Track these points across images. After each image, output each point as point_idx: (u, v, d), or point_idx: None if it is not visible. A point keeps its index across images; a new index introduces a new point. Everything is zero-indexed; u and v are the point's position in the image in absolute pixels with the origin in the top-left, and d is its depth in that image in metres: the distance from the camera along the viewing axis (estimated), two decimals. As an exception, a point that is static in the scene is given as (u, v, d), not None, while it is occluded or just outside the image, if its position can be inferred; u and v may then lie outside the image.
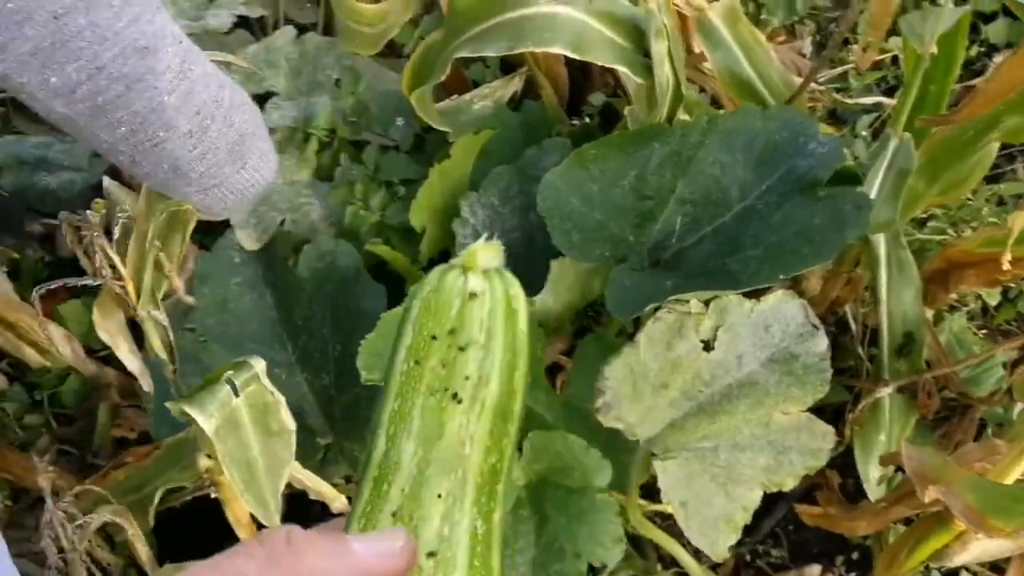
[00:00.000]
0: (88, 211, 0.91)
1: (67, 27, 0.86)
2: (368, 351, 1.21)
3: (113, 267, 0.94)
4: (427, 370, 0.63)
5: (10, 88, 0.91)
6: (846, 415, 1.44)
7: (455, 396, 0.63)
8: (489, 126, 1.55)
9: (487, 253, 0.64)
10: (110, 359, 1.52)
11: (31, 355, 1.43)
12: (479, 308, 0.63)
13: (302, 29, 1.81)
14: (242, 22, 1.82)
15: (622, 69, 1.24)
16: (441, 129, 1.48)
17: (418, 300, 0.64)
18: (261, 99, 1.70)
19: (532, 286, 1.44)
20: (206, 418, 0.95)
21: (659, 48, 1.22)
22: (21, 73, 0.87)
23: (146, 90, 0.94)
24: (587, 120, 1.67)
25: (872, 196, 1.34)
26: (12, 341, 1.41)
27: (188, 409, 0.94)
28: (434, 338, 0.63)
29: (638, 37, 1.27)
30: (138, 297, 0.97)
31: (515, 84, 1.63)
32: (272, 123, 1.64)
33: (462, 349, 0.63)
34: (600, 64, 1.23)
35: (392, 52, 1.85)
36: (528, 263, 1.46)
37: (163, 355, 1.03)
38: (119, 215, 0.95)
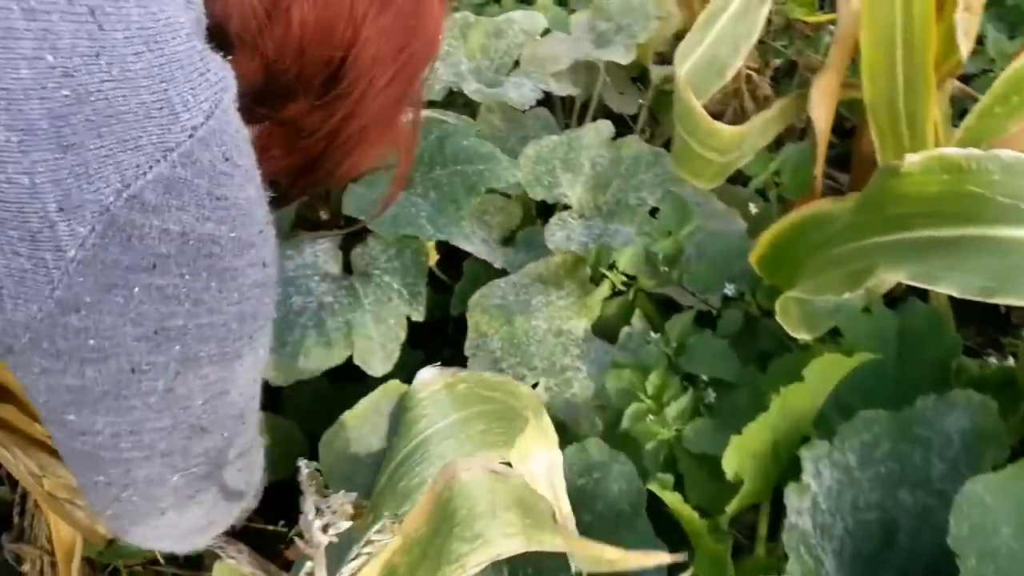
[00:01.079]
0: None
1: (140, 384, 0.57)
2: None
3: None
4: None
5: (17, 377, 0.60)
6: None
7: None
8: (857, 332, 1.06)
9: None
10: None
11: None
12: None
13: (618, 122, 1.38)
14: (544, 98, 1.40)
15: None
16: (798, 336, 1.00)
17: None
18: (545, 209, 1.28)
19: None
20: None
21: None
22: (43, 394, 0.58)
23: (162, 466, 0.64)
24: (1010, 359, 1.15)
25: None
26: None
27: None
28: None
29: None
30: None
31: (902, 274, 1.13)
32: (554, 244, 1.21)
33: None
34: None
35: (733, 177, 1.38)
36: (879, 567, 0.97)
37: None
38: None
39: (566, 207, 1.26)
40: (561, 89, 1.37)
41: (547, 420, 0.97)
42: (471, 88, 1.30)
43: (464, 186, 1.20)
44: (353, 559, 0.56)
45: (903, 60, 1.05)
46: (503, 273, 1.24)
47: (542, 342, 1.16)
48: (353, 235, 1.24)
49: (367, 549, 0.56)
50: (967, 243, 0.75)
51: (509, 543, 0.54)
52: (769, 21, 1.40)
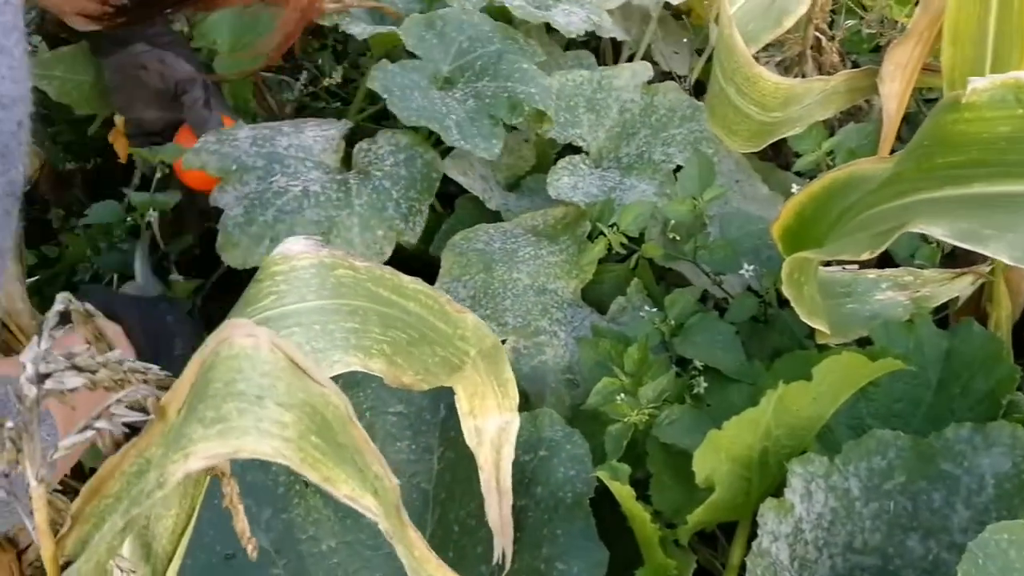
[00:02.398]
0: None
1: None
2: None
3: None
4: None
5: None
6: None
7: None
8: (894, 345, 0.88)
9: None
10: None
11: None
12: None
13: (663, 78, 1.21)
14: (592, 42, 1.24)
15: None
16: (813, 326, 0.82)
17: None
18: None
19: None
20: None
21: None
22: None
23: None
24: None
25: None
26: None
27: None
28: None
29: None
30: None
31: (960, 286, 0.94)
32: (556, 191, 1.05)
33: None
34: None
35: (776, 154, 1.20)
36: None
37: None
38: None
39: (579, 151, 1.09)
40: (609, 32, 1.20)
41: (510, 374, 0.80)
42: (516, 3, 1.14)
43: (509, 103, 1.05)
44: (80, 431, 0.40)
45: (996, 23, 0.86)
46: (497, 217, 1.08)
47: (520, 297, 0.99)
48: (363, 130, 1.09)
49: (101, 423, 0.40)
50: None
51: (264, 443, 0.37)
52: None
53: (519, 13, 1.16)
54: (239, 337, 0.39)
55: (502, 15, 1.18)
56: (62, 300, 0.43)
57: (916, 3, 1.46)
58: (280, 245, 0.55)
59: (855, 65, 1.36)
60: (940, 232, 0.57)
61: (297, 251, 0.55)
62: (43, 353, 0.40)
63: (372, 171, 1.04)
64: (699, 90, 1.32)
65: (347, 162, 1.07)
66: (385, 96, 1.03)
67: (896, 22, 1.39)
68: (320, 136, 1.07)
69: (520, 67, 1.10)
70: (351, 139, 1.09)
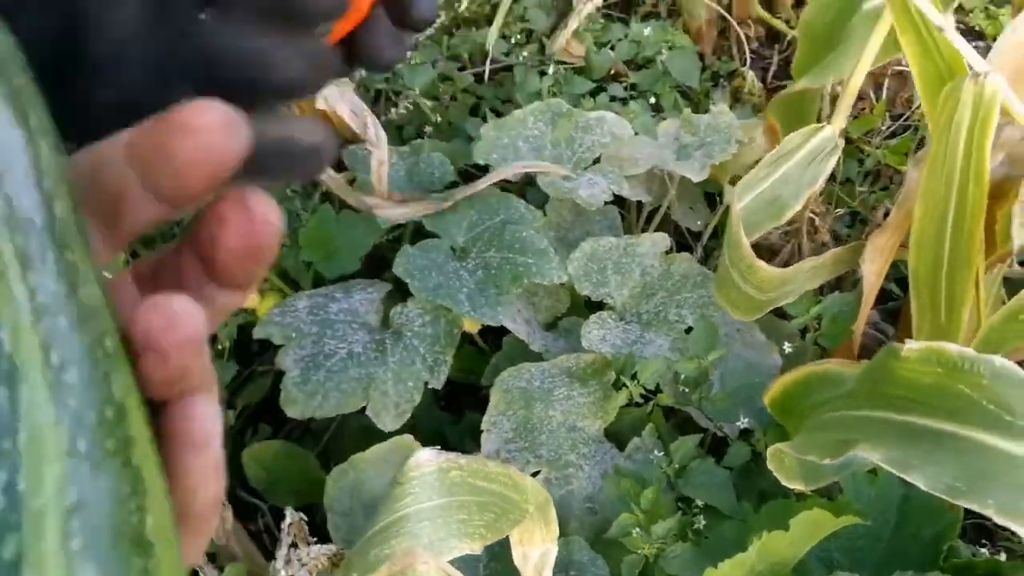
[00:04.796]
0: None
1: None
2: None
3: None
4: None
5: None
6: None
7: None
8: (858, 494, 1.08)
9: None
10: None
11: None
12: None
13: (682, 235, 1.42)
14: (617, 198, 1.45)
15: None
16: (791, 487, 1.02)
17: None
18: (592, 303, 1.33)
19: None
20: None
21: None
22: None
23: None
24: (1002, 554, 1.14)
25: None
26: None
27: None
28: None
29: None
30: None
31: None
32: (588, 342, 1.26)
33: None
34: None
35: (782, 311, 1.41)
36: None
37: None
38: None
39: (607, 306, 1.30)
40: (634, 194, 1.41)
41: (553, 514, 1.01)
42: (545, 181, 1.35)
43: (511, 274, 1.24)
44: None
45: (951, 240, 1.07)
46: (540, 355, 1.29)
47: (554, 433, 1.19)
48: (402, 290, 1.29)
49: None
50: (947, 439, 0.77)
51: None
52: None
53: (548, 190, 1.37)
54: (419, 564, 0.60)
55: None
56: (291, 515, 0.64)
57: (905, 154, 1.69)
58: (413, 456, 0.77)
59: (853, 214, 1.58)
60: (878, 457, 0.78)
61: (424, 460, 0.77)
62: (289, 558, 0.61)
63: (404, 331, 1.24)
64: (714, 235, 1.54)
65: (387, 320, 1.27)
66: (407, 280, 1.23)
67: (892, 174, 1.61)
68: (365, 299, 1.28)
69: (521, 236, 1.29)
70: (389, 301, 1.29)
